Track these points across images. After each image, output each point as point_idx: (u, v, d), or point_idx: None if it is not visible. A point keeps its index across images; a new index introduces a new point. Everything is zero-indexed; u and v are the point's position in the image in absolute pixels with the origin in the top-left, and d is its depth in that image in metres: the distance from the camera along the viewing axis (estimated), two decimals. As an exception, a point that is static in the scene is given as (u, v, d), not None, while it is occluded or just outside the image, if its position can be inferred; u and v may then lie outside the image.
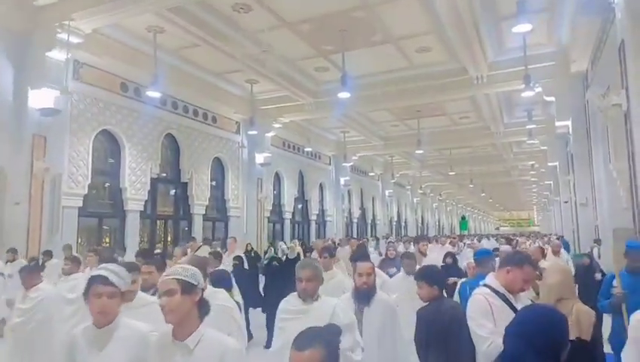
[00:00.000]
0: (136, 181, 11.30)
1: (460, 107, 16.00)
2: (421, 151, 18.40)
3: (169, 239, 12.92)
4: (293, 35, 10.29)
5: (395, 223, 31.13)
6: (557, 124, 13.18)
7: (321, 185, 20.99)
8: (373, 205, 27.38)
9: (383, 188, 28.06)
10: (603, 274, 5.40)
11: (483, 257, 4.10)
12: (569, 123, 12.55)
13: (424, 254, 6.72)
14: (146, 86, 10.58)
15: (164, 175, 12.68)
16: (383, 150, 21.81)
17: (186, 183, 13.08)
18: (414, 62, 11.89)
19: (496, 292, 2.41)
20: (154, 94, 10.28)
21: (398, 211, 31.82)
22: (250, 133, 14.04)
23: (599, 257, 10.76)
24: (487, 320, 2.29)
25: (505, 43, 10.78)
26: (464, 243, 13.48)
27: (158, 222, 12.65)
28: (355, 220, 24.66)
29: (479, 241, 16.42)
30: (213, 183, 14.17)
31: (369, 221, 26.99)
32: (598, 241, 11.26)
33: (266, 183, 15.88)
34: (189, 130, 13.15)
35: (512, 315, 2.30)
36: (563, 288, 2.59)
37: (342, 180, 21.83)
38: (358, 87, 12.05)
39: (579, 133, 12.14)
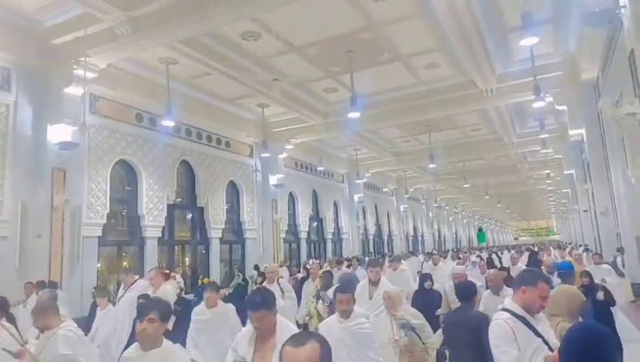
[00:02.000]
0: (153, 208, 11.47)
1: (471, 120, 15.97)
2: (434, 165, 18.35)
3: (187, 263, 13.00)
4: (301, 59, 10.47)
5: (411, 238, 30.85)
6: (570, 132, 13.08)
7: (335, 203, 20.99)
8: (388, 221, 27.23)
9: (398, 203, 27.93)
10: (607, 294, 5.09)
11: (566, 271, 5.03)
12: (583, 131, 12.45)
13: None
14: (160, 115, 10.83)
15: (180, 200, 12.84)
16: (396, 165, 21.79)
17: (202, 208, 13.21)
18: (423, 79, 11.96)
19: (516, 315, 2.38)
20: (168, 123, 10.50)
21: (414, 226, 31.55)
22: (263, 155, 14.20)
23: (623, 266, 10.54)
24: (511, 346, 2.26)
25: (512, 55, 10.79)
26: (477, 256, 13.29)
27: (176, 247, 12.76)
28: (371, 237, 24.51)
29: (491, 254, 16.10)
30: (229, 206, 14.29)
31: (385, 237, 26.80)
32: (621, 250, 11.06)
33: (280, 204, 15.96)
34: (204, 156, 13.34)
35: (534, 338, 2.29)
36: (557, 306, 2.69)
37: (356, 197, 21.81)
38: (368, 106, 12.15)
39: (593, 140, 12.02)
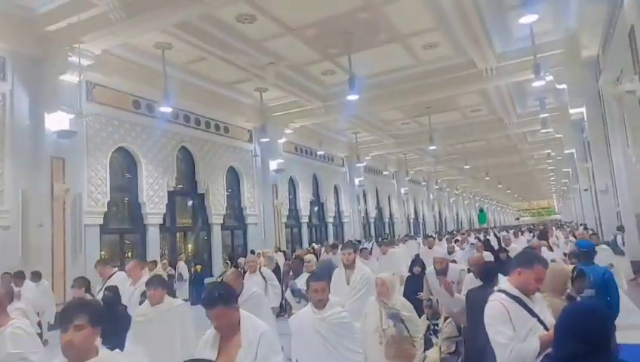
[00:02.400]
0: (154, 195, 11.48)
1: (471, 100, 15.86)
2: (434, 147, 18.28)
3: (189, 250, 13.08)
4: (298, 41, 10.35)
5: (412, 220, 30.94)
6: (571, 111, 12.98)
7: (335, 187, 21.01)
8: (389, 204, 27.28)
9: (399, 186, 27.93)
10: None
11: (588, 248, 4.73)
12: (583, 110, 12.36)
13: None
14: (157, 102, 10.78)
15: (181, 187, 12.85)
16: (396, 148, 21.74)
17: (203, 194, 13.23)
18: (422, 59, 11.84)
19: (512, 296, 2.39)
20: (166, 109, 10.44)
21: (415, 208, 31.61)
22: (262, 140, 14.16)
23: (623, 244, 10.57)
24: (505, 326, 2.26)
25: (512, 33, 10.66)
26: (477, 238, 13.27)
27: (177, 234, 12.83)
28: (372, 220, 24.59)
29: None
30: (229, 192, 14.31)
31: (386, 220, 26.89)
32: (621, 228, 11.07)
33: (281, 189, 15.97)
34: (203, 142, 13.31)
35: (529, 318, 2.30)
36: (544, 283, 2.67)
37: (356, 181, 21.82)
38: (366, 88, 12.05)
39: (594, 119, 11.95)
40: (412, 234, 23.96)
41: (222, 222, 13.71)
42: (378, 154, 22.62)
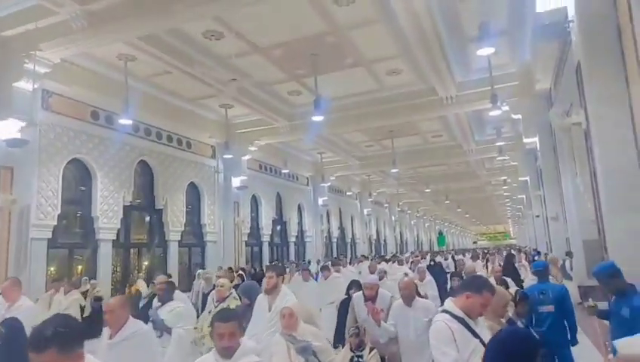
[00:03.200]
0: (108, 209, 11.07)
1: (432, 126, 16.35)
2: (396, 170, 18.65)
3: (144, 267, 12.61)
4: (265, 61, 10.41)
5: (374, 241, 31.22)
6: (525, 140, 13.61)
7: (299, 206, 20.96)
8: (352, 224, 27.44)
9: (362, 206, 28.21)
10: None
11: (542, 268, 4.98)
12: (536, 139, 12.98)
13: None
14: (117, 113, 10.49)
15: (138, 202, 12.46)
16: (360, 170, 22.02)
17: (161, 210, 12.88)
18: (386, 85, 12.15)
19: (456, 317, 2.43)
20: (126, 122, 10.16)
21: (377, 229, 31.94)
22: (225, 157, 13.99)
23: (571, 269, 11.02)
24: (449, 347, 2.31)
25: (471, 64, 11.13)
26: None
27: (131, 250, 12.36)
28: (335, 240, 24.63)
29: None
30: (189, 209, 13.99)
31: (348, 240, 26.99)
32: (569, 254, 11.54)
33: (243, 206, 15.78)
34: (163, 156, 13.02)
35: (472, 339, 2.35)
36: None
37: (320, 200, 21.87)
38: (332, 110, 12.22)
39: (546, 149, 12.55)
40: (374, 254, 24.13)
41: (179, 238, 13.35)
42: (342, 174, 22.83)
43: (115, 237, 11.25)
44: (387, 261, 14.54)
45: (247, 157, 15.45)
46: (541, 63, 10.22)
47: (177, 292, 5.64)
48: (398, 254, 21.98)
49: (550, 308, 4.44)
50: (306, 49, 9.85)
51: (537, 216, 17.60)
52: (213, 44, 9.49)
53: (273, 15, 8.50)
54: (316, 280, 9.53)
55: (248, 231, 16.40)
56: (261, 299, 4.33)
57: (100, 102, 10.85)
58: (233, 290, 5.24)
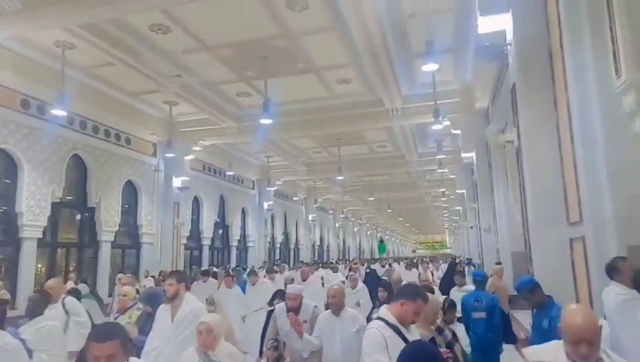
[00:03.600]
0: (34, 205, 10.31)
1: (378, 136, 16.75)
2: (342, 178, 18.89)
3: (71, 268, 11.84)
4: (213, 59, 10.19)
5: (317, 247, 31.38)
6: (463, 155, 14.28)
7: (243, 209, 20.64)
8: (296, 230, 27.43)
9: (307, 212, 28.29)
10: None
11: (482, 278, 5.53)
12: (473, 154, 13.65)
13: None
14: (51, 104, 9.82)
15: (69, 199, 11.71)
16: (307, 175, 22.08)
17: (94, 208, 12.18)
18: (335, 92, 12.29)
19: (390, 324, 2.48)
20: (59, 113, 9.51)
21: (321, 235, 32.14)
22: (167, 155, 13.50)
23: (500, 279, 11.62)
24: (382, 354, 2.34)
25: (417, 79, 11.53)
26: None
27: (59, 250, 11.57)
28: (279, 245, 24.49)
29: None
30: (125, 208, 13.34)
31: (292, 246, 26.94)
32: (499, 264, 12.17)
33: (183, 208, 15.28)
34: (99, 152, 12.34)
35: (403, 346, 2.40)
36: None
37: (265, 205, 21.67)
38: (281, 114, 12.17)
39: (482, 164, 13.23)
40: (318, 260, 24.18)
41: (113, 239, 12.68)
42: (289, 179, 22.78)
43: (41, 236, 10.48)
44: (325, 268, 14.57)
45: (190, 157, 15.01)
46: (481, 83, 10.80)
47: (76, 306, 5.04)
48: (332, 261, 22.08)
49: (482, 314, 4.90)
50: (257, 51, 9.76)
51: (472, 228, 18.48)
52: (160, 38, 9.15)
53: (224, 13, 8.35)
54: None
55: (188, 234, 15.91)
56: (162, 309, 3.93)
57: (32, 90, 10.11)
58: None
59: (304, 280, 8.55)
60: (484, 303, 4.98)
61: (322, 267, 14.94)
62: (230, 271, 9.78)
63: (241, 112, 13.55)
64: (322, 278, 11.81)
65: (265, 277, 9.11)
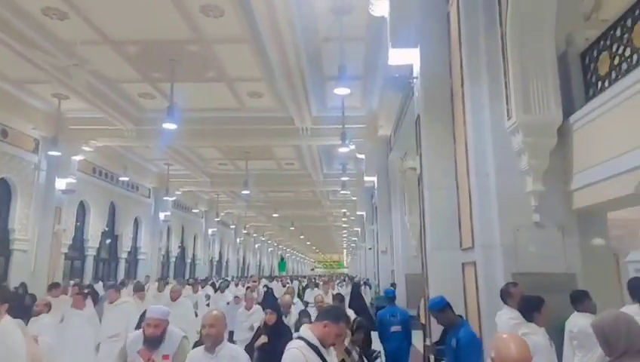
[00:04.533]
0: None
1: (287, 153, 16.79)
2: (247, 192, 18.55)
3: None
4: (116, 55, 9.42)
5: (216, 263, 30.27)
6: (365, 178, 14.89)
7: (137, 219, 19.21)
8: (194, 243, 26.22)
9: (207, 226, 27.24)
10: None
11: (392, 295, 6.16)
12: (375, 179, 14.29)
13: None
14: None
15: None
16: (209, 187, 21.30)
17: (-48, 208, 10.43)
18: (246, 105, 12.09)
19: (311, 345, 2.45)
20: None
21: (220, 250, 31.09)
22: (51, 153, 12.08)
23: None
24: None
25: (327, 102, 11.83)
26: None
27: None
28: (174, 259, 23.15)
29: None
30: (-6, 210, 11.63)
31: (188, 260, 25.65)
32: (393, 285, 12.74)
33: (66, 213, 13.75)
34: (-34, 143, 10.65)
35: None
36: None
37: (162, 215, 20.41)
38: (187, 121, 11.60)
39: (382, 188, 13.89)
40: (211, 276, 23.23)
41: (-25, 245, 10.93)
42: (190, 190, 21.79)
43: None
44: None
45: (78, 157, 13.62)
46: (385, 112, 11.40)
47: None
48: (217, 278, 21.09)
49: (398, 328, 5.59)
50: (166, 53, 9.25)
51: (370, 249, 19.21)
52: (55, 25, 8.24)
53: (132, 9, 7.79)
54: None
55: (70, 243, 14.32)
56: None
57: None
58: None
59: (173, 300, 6.92)
60: (399, 317, 5.75)
61: (210, 285, 13.84)
62: (85, 287, 7.97)
63: (143, 115, 12.69)
64: (209, 297, 11.15)
65: (132, 295, 7.35)
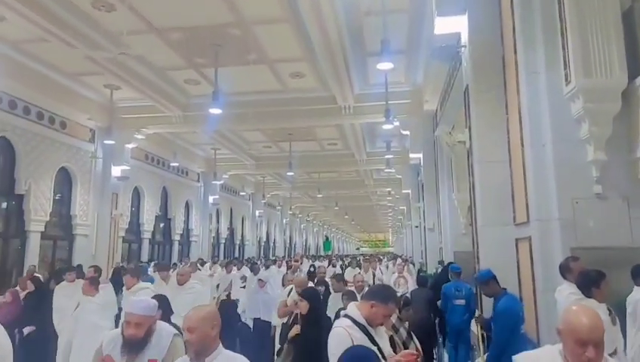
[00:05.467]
0: (-49, 191, 9.32)
1: (329, 134, 16.74)
2: (292, 174, 18.74)
3: (-7, 261, 10.84)
4: (162, 43, 9.66)
5: (264, 244, 31.01)
6: (411, 155, 14.58)
7: (187, 203, 19.93)
8: (242, 225, 26.92)
9: (254, 208, 27.85)
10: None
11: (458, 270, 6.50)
12: (421, 155, 13.97)
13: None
14: (-26, 79, 8.90)
15: (-7, 185, 10.72)
16: (255, 170, 21.69)
17: (22, 195, 11.22)
18: (288, 86, 12.10)
19: (357, 323, 2.39)
20: (-16, 89, 8.65)
21: (267, 231, 31.78)
22: (106, 142, 12.69)
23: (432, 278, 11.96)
24: None
25: (369, 78, 11.61)
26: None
27: (-21, 240, 10.55)
28: (223, 241, 23.91)
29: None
30: (58, 197, 12.41)
31: (237, 241, 26.42)
32: (441, 263, 12.56)
33: (122, 199, 14.47)
34: (30, 135, 11.36)
35: (370, 346, 2.31)
36: None
37: (211, 198, 21.04)
38: (231, 105, 11.80)
39: (428, 165, 13.56)
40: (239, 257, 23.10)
41: (43, 229, 11.74)
42: (236, 173, 22.28)
43: (-43, 224, 9.49)
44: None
45: (131, 145, 14.23)
46: (431, 85, 11.03)
47: None
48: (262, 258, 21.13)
49: (462, 301, 5.97)
50: (209, 38, 9.38)
51: (417, 227, 18.95)
52: (103, 16, 8.54)
53: (175, -5, 7.92)
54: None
55: (127, 227, 15.09)
56: None
57: (-50, 62, 9.12)
58: None
59: (181, 283, 5.71)
60: (463, 292, 6.15)
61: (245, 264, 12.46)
62: (94, 272, 6.79)
63: (189, 101, 13.02)
64: (245, 278, 9.72)
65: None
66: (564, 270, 3.60)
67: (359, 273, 8.32)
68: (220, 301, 8.74)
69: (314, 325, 3.66)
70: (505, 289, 4.14)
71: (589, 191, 4.00)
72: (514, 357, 1.99)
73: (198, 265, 13.19)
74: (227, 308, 7.40)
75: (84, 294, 5.07)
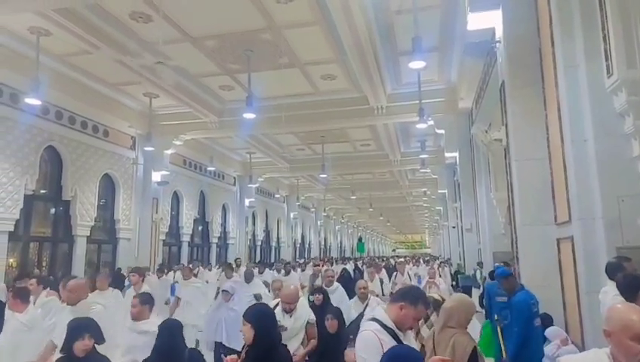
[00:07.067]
0: (6, 198, 9.89)
1: (362, 135, 16.67)
2: (325, 176, 18.78)
3: (44, 263, 11.42)
4: (196, 51, 9.93)
5: (299, 246, 31.22)
6: (446, 155, 14.31)
7: (224, 206, 20.34)
8: (278, 227, 27.21)
9: (289, 210, 28.11)
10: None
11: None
12: (457, 154, 13.69)
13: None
14: (25, 92, 9.39)
15: (43, 192, 11.30)
16: (289, 173, 21.88)
17: (69, 201, 11.78)
18: (319, 89, 12.15)
19: (386, 327, 2.31)
20: (33, 102, 9.11)
21: (302, 233, 31.98)
22: (146, 149, 13.15)
23: (481, 278, 11.70)
24: (377, 359, 2.21)
25: (402, 77, 11.48)
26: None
27: (31, 244, 11.14)
28: (259, 243, 24.24)
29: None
30: (103, 203, 12.96)
31: (273, 244, 26.72)
32: (480, 264, 12.25)
33: (162, 203, 14.94)
34: (75, 144, 11.93)
35: None
36: (450, 316, 2.69)
37: (247, 201, 21.41)
38: (264, 109, 11.97)
39: (464, 164, 13.27)
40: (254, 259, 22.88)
41: (88, 234, 12.29)
42: (271, 176, 22.55)
43: (12, 229, 10.06)
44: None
45: (170, 151, 14.67)
46: (465, 83, 10.80)
47: None
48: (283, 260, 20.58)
49: (504, 298, 5.78)
50: (241, 44, 9.56)
51: (454, 227, 18.57)
52: (141, 27, 8.87)
53: (208, 4, 8.12)
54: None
55: (167, 230, 15.57)
56: None
57: (4, 77, 9.69)
58: None
59: (73, 304, 4.19)
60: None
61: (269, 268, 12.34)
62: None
63: (224, 106, 13.30)
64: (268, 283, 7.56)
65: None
66: (616, 269, 3.40)
67: (330, 269, 7.42)
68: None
69: (339, 342, 3.21)
70: (522, 284, 4.38)
71: (635, 188, 3.81)
72: (559, 359, 1.95)
73: (203, 268, 14.06)
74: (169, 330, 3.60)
75: (9, 309, 4.20)
